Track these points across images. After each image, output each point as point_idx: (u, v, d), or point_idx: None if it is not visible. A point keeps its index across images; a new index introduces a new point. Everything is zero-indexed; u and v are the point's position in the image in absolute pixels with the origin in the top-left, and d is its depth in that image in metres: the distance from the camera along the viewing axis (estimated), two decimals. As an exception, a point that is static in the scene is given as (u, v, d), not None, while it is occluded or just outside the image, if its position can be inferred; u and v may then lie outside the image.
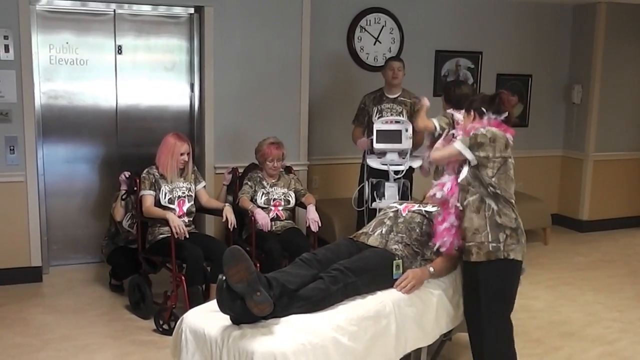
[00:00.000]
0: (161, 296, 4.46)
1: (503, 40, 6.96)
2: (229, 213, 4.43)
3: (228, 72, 5.47)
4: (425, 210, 3.47)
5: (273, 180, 4.69)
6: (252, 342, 2.55)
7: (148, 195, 4.39)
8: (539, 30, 7.13)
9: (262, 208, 4.57)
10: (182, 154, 4.43)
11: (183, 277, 4.19)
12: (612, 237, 7.00)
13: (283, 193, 4.68)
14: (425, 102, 4.57)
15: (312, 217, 4.55)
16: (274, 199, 4.63)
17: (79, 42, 5.34)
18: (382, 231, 3.40)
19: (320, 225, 4.57)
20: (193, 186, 4.56)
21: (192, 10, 5.54)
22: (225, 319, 2.72)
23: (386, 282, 3.15)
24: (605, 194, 7.22)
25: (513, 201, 3.16)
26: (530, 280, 5.06)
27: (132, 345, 4.09)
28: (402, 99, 5.13)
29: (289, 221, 4.70)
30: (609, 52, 6.98)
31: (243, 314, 2.66)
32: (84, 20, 5.35)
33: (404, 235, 3.33)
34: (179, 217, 4.35)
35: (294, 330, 2.63)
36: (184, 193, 4.48)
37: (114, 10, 5.39)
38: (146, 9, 5.45)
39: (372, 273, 3.10)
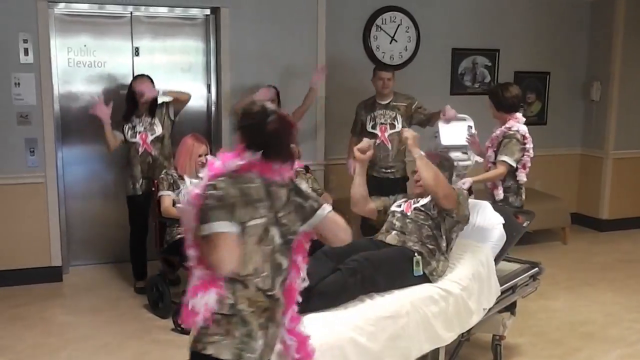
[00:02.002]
0: (180, 295, 4.49)
1: (520, 38, 6.90)
2: None
3: (244, 73, 5.49)
4: (421, 206, 3.44)
5: None
6: (269, 342, 2.56)
7: (166, 196, 4.42)
8: (557, 27, 7.06)
9: None
10: (200, 155, 4.45)
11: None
12: (632, 237, 6.91)
13: None
14: (450, 113, 4.53)
15: None
16: None
17: (96, 44, 5.39)
18: (396, 232, 3.39)
19: None
20: None
21: (208, 12, 5.57)
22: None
23: (405, 280, 3.14)
24: (625, 193, 7.13)
25: None
26: (549, 281, 5.01)
27: (150, 345, 4.12)
28: (394, 103, 5.15)
29: None
30: (628, 48, 6.89)
31: None
32: (102, 23, 5.40)
33: (416, 235, 3.33)
34: None
35: (312, 330, 2.62)
36: None
37: (131, 13, 5.43)
38: (162, 10, 5.48)
39: (390, 268, 3.10)
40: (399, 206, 3.56)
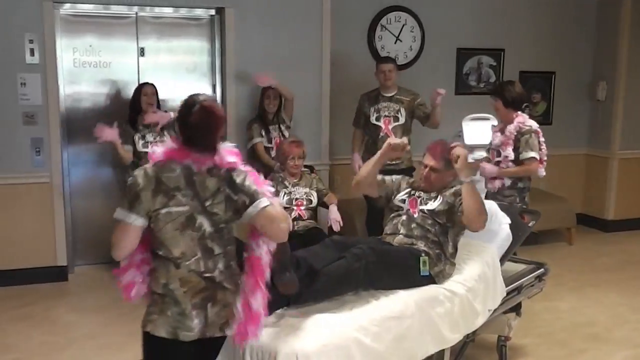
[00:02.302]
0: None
1: (525, 37, 6.89)
2: None
3: (249, 73, 5.49)
4: (428, 210, 3.32)
5: (295, 180, 4.69)
6: (275, 341, 2.56)
7: None
8: (562, 26, 7.04)
9: (285, 208, 4.57)
10: None
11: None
12: (638, 237, 6.88)
13: (305, 193, 4.68)
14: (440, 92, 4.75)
15: (333, 217, 4.55)
16: (296, 199, 4.63)
17: (102, 45, 5.40)
18: (402, 236, 3.32)
19: (342, 225, 4.57)
20: None
21: (213, 12, 5.58)
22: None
23: (410, 278, 3.11)
24: (631, 193, 7.10)
25: None
26: (554, 282, 4.99)
27: (155, 345, 4.12)
28: (398, 97, 5.16)
29: (311, 221, 4.70)
30: (635, 47, 6.87)
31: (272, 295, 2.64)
32: (107, 24, 5.41)
33: (423, 240, 3.26)
34: None
35: (317, 330, 2.63)
36: None
37: (136, 13, 5.44)
38: (168, 11, 5.49)
39: (396, 262, 3.09)
40: (403, 201, 3.42)
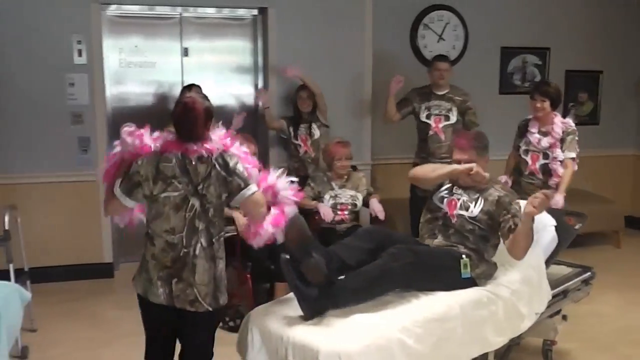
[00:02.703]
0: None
1: (572, 36, 6.74)
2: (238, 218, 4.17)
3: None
4: (468, 217, 3.21)
5: (342, 181, 4.67)
6: (317, 340, 2.56)
7: None
8: (610, 24, 6.87)
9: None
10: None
11: (248, 276, 4.24)
12: (688, 241, 6.68)
13: (351, 196, 4.63)
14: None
15: (377, 208, 4.52)
16: (341, 203, 4.60)
17: (147, 45, 5.49)
18: (439, 241, 3.25)
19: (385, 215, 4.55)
20: None
21: (255, 12, 5.61)
22: (291, 317, 2.75)
23: (450, 281, 3.06)
24: (682, 195, 6.90)
25: None
26: (600, 284, 4.86)
27: (198, 342, 4.16)
28: (450, 95, 5.08)
29: (353, 222, 4.69)
30: (686, 46, 6.68)
31: (313, 298, 2.70)
32: (152, 24, 5.50)
33: (461, 246, 3.19)
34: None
35: (359, 330, 2.62)
36: None
37: (180, 14, 5.51)
38: (211, 11, 5.55)
39: (435, 263, 3.04)
40: (442, 201, 3.30)
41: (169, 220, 2.64)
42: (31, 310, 4.22)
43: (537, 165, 4.48)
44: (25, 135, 5.10)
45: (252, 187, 2.68)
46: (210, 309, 2.68)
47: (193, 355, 2.81)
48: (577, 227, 3.91)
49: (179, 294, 2.66)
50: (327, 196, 4.59)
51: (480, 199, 3.24)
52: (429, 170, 3.42)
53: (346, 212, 4.61)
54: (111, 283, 5.29)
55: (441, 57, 5.26)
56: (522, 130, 4.60)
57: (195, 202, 2.63)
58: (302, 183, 4.54)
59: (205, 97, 2.74)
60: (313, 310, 2.73)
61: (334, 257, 2.84)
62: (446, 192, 3.35)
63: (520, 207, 3.16)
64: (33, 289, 4.17)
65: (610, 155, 7.00)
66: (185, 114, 2.64)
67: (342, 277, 2.89)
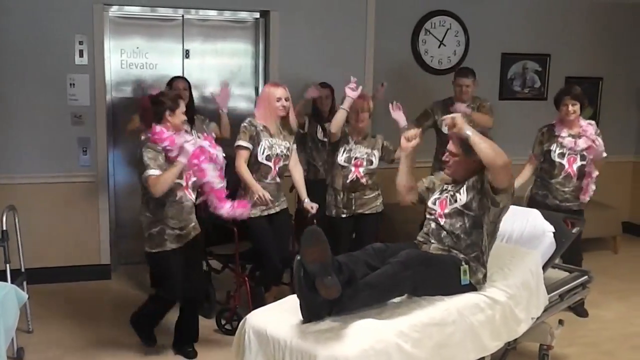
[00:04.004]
0: (225, 297, 4.54)
1: (572, 42, 6.75)
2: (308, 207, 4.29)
3: (293, 76, 5.51)
4: (459, 207, 3.18)
5: (359, 138, 4.48)
6: (315, 344, 2.56)
7: (244, 149, 4.11)
8: (610, 31, 6.89)
9: (342, 167, 4.45)
10: (278, 99, 4.15)
11: (246, 278, 4.24)
12: (686, 247, 6.69)
13: (367, 153, 4.46)
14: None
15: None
16: (356, 158, 4.42)
17: (148, 46, 5.50)
18: (435, 246, 3.24)
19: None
20: (291, 145, 4.33)
21: (257, 15, 5.63)
22: (289, 321, 2.75)
23: (451, 287, 3.07)
24: (681, 202, 6.91)
25: None
26: (599, 290, 4.89)
27: (195, 344, 4.16)
28: (472, 106, 5.05)
29: (373, 193, 4.56)
30: (686, 54, 6.69)
31: (315, 301, 2.68)
32: (154, 26, 5.51)
33: (456, 248, 3.18)
34: (273, 177, 4.22)
35: (357, 335, 2.62)
36: (282, 152, 4.23)
37: (182, 16, 5.52)
38: (213, 14, 5.56)
39: (440, 269, 3.05)
40: (435, 203, 3.30)
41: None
42: (27, 311, 4.23)
43: (574, 168, 4.60)
44: (25, 136, 5.11)
45: (148, 172, 3.56)
46: None
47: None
48: (574, 231, 3.92)
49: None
50: (341, 150, 4.45)
51: (463, 186, 3.21)
52: (399, 174, 3.43)
53: (362, 170, 4.43)
54: (108, 285, 5.28)
55: (464, 73, 5.11)
56: (548, 136, 4.66)
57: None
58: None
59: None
60: (314, 315, 2.73)
61: (344, 267, 2.79)
62: (438, 193, 3.34)
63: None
64: (30, 290, 4.18)
65: (609, 161, 6.92)
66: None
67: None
